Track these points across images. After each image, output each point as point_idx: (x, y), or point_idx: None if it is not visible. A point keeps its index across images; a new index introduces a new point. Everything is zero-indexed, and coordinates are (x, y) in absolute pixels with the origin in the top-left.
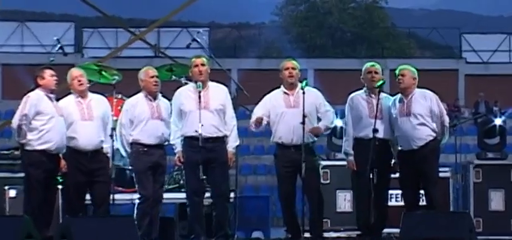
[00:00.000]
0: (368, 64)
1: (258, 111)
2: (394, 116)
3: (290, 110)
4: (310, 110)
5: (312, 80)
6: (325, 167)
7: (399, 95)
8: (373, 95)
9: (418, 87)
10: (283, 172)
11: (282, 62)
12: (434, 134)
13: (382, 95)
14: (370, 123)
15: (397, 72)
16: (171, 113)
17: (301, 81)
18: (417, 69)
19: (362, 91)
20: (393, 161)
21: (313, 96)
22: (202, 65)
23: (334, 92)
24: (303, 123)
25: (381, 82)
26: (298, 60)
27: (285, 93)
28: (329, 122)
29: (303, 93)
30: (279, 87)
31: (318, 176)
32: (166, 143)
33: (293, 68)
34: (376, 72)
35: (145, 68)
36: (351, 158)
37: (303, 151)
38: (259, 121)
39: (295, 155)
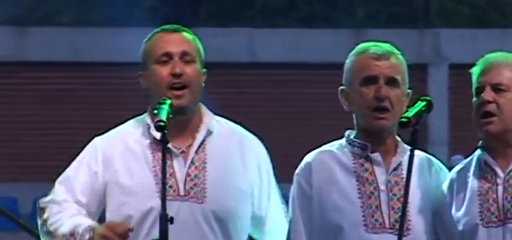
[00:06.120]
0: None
1: None
2: (460, 222)
3: None
4: None
5: None
6: None
7: (477, 154)
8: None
9: None
10: None
11: None
12: None
13: (419, 155)
14: None
15: (479, 70)
16: None
17: None
18: None
19: (338, 143)
20: None
21: None
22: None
23: None
24: None
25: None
26: None
27: None
28: None
29: None
30: None
31: None
32: None
33: None
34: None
35: None
36: None
37: None
38: None
39: None
